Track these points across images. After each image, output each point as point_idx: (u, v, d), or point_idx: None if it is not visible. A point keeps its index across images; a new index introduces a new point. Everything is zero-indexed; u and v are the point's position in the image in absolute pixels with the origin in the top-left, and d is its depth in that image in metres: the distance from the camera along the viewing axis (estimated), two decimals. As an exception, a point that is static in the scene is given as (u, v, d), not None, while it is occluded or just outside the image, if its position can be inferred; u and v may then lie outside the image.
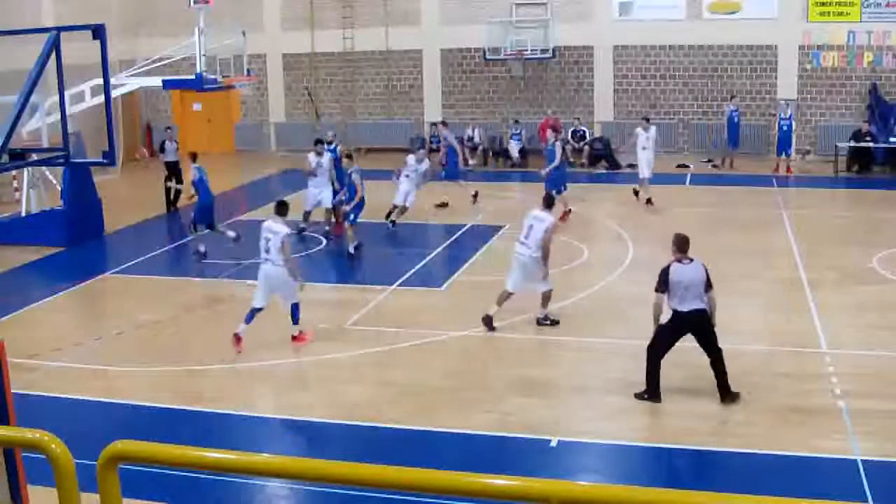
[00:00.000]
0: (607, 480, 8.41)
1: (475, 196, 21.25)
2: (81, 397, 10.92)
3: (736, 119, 26.02)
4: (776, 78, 26.99)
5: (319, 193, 18.59)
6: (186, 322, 13.84)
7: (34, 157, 15.65)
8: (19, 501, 6.63)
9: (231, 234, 17.49)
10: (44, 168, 19.13)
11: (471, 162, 27.01)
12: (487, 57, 28.02)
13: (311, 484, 7.66)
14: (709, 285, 10.11)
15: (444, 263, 16.77)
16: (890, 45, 25.80)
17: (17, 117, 11.96)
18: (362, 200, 17.07)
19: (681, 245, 10.26)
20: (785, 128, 24.79)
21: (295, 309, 12.42)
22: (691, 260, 10.18)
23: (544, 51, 27.45)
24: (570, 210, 19.39)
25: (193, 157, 18.21)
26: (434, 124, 28.01)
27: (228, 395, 10.96)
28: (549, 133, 20.72)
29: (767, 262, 16.09)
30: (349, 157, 17.87)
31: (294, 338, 12.52)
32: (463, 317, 13.38)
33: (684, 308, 10.00)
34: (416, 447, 9.56)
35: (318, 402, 10.97)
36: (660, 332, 10.20)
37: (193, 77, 21.34)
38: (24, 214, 19.25)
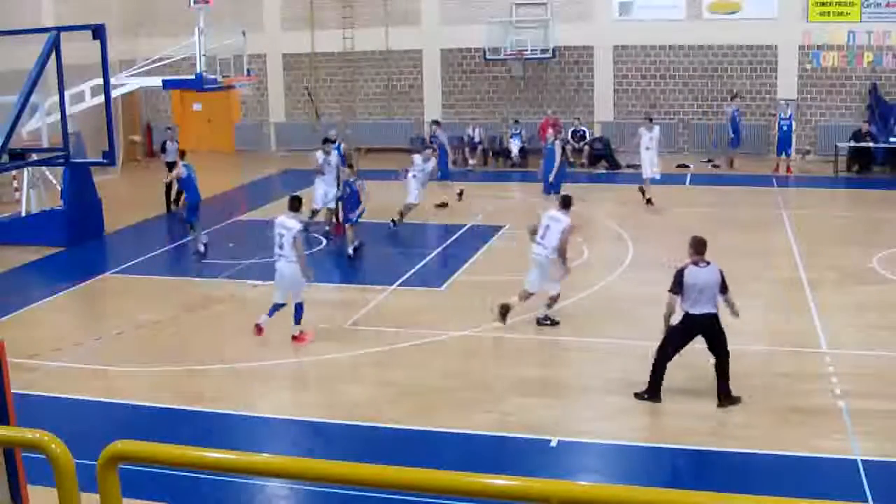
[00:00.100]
0: (607, 480, 8.42)
1: (460, 194, 21.19)
2: (81, 397, 10.92)
3: (738, 119, 26.03)
4: (776, 78, 26.99)
5: (326, 194, 18.62)
6: (186, 322, 13.84)
7: (34, 157, 15.64)
8: (19, 501, 6.63)
9: (202, 243, 17.41)
10: (44, 168, 19.13)
11: (471, 162, 27.04)
12: (487, 57, 28.02)
13: (311, 484, 7.65)
14: (724, 288, 10.09)
15: (444, 263, 16.77)
16: (890, 45, 25.81)
17: (17, 117, 11.95)
18: (360, 202, 17.10)
19: (698, 247, 10.21)
20: (785, 128, 24.79)
21: (298, 308, 12.45)
22: (708, 263, 10.14)
23: (544, 51, 27.45)
24: None
25: (182, 154, 18.27)
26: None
27: (228, 395, 10.96)
28: (550, 132, 20.69)
29: (767, 263, 16.09)
30: (350, 166, 17.90)
31: (294, 338, 12.53)
32: (463, 317, 13.38)
33: (696, 311, 9.97)
34: (416, 447, 9.56)
35: (318, 402, 10.98)
36: (670, 335, 10.17)
37: (193, 77, 21.34)
38: (24, 214, 19.25)
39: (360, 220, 17.19)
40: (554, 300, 12.89)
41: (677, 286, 10.06)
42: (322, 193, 18.69)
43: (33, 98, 14.48)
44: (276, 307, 12.57)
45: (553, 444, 9.40)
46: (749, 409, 10.04)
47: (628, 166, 25.66)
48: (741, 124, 26.25)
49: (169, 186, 21.32)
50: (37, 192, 19.42)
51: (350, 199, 17.06)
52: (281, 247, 12.37)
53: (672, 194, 21.70)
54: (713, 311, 10.02)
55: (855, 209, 21.42)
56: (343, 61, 30.19)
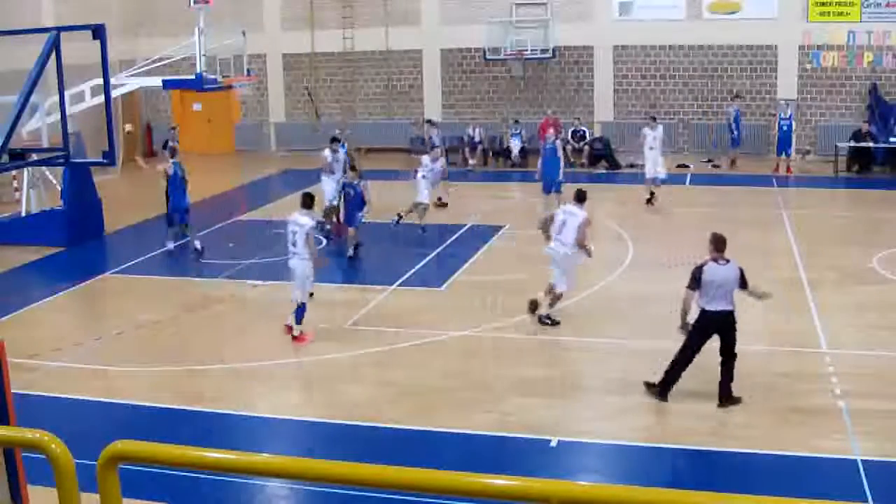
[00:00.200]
0: (607, 480, 8.42)
1: (440, 200, 21.14)
2: (81, 397, 10.93)
3: (739, 119, 26.03)
4: (776, 78, 26.99)
5: (334, 192, 18.66)
6: (186, 322, 13.84)
7: (34, 157, 15.61)
8: (19, 501, 6.64)
9: (170, 245, 17.36)
10: (44, 168, 19.12)
11: (471, 162, 27.03)
12: (487, 57, 28.03)
13: (311, 484, 7.65)
14: (744, 283, 10.06)
15: (444, 263, 16.76)
16: (890, 45, 25.81)
17: (17, 117, 11.92)
18: (364, 203, 17.11)
19: (718, 244, 10.14)
20: (785, 128, 24.79)
21: (301, 309, 12.47)
22: (727, 261, 10.10)
23: (544, 51, 27.46)
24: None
25: (173, 152, 18.26)
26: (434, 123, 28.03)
27: (228, 395, 10.96)
28: (550, 131, 20.63)
29: (767, 262, 16.06)
30: (353, 168, 17.91)
31: (294, 338, 12.54)
32: (463, 317, 13.39)
33: (712, 307, 9.94)
34: (416, 447, 9.57)
35: (318, 402, 10.98)
36: (690, 337, 10.10)
37: (193, 77, 21.34)
38: (24, 214, 19.25)
39: (363, 220, 17.19)
40: (557, 298, 12.88)
41: (695, 282, 9.99)
42: (331, 190, 18.73)
43: (33, 98, 14.46)
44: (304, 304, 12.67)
45: (553, 444, 9.40)
46: (749, 409, 10.04)
47: (628, 166, 25.68)
48: (742, 124, 26.25)
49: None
50: (37, 192, 19.42)
51: (354, 200, 17.05)
52: (294, 244, 12.48)
53: (672, 194, 21.70)
54: (730, 308, 9.97)
55: (855, 209, 21.42)
56: (343, 61, 30.19)
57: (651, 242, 17.72)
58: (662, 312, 13.21)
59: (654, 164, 20.80)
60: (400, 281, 15.43)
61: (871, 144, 24.87)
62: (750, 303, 13.99)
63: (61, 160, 15.34)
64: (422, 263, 16.70)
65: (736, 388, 10.16)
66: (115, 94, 19.45)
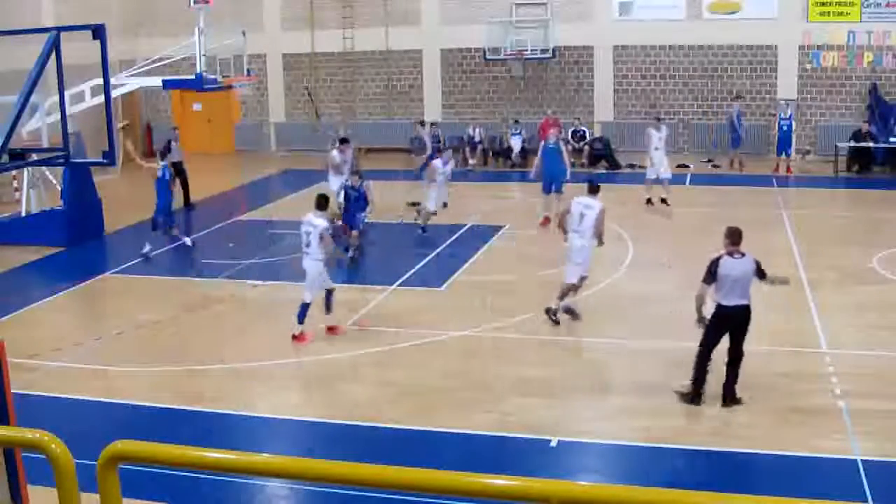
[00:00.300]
0: (607, 480, 8.42)
1: (415, 203, 20.91)
2: (81, 397, 10.92)
3: (741, 119, 26.02)
4: (776, 78, 26.99)
5: (339, 193, 18.68)
6: (186, 322, 13.84)
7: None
8: (19, 501, 6.64)
9: (147, 248, 17.35)
10: (44, 168, 19.12)
11: (471, 162, 27.03)
12: (487, 57, 28.03)
13: (311, 484, 7.65)
14: (762, 274, 10.00)
15: (444, 263, 16.76)
16: (890, 45, 25.81)
17: (17, 117, 11.92)
18: (367, 203, 17.13)
19: (734, 238, 10.01)
20: (785, 128, 24.79)
21: (304, 308, 12.47)
22: (743, 254, 9.97)
23: (544, 51, 27.46)
24: (549, 219, 18.79)
25: (163, 154, 18.26)
26: (433, 124, 28.03)
27: (228, 395, 10.96)
28: (552, 131, 20.54)
29: (767, 262, 15.84)
30: (357, 173, 17.91)
31: (294, 337, 12.54)
32: (463, 317, 13.39)
33: (729, 302, 9.83)
34: (416, 447, 9.56)
35: (318, 402, 10.98)
36: (707, 334, 10.01)
37: (193, 77, 21.33)
38: (24, 214, 19.24)
39: (365, 220, 17.18)
40: (567, 291, 12.86)
41: (710, 276, 9.88)
42: (338, 190, 18.76)
43: (33, 98, 14.46)
44: (329, 301, 12.74)
45: (553, 444, 9.40)
46: (749, 409, 10.03)
47: (628, 166, 25.68)
48: (742, 125, 26.24)
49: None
50: (37, 192, 19.42)
51: (356, 202, 17.05)
52: (308, 245, 12.50)
53: (672, 194, 21.67)
54: (745, 302, 9.87)
55: (855, 209, 21.42)
56: (343, 61, 30.19)
57: (651, 242, 17.72)
58: (663, 312, 13.25)
59: (659, 164, 20.76)
60: (400, 281, 15.43)
61: (871, 144, 24.87)
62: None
63: (61, 160, 15.35)
64: (422, 263, 16.70)
65: (736, 388, 10.15)
66: (115, 94, 19.46)
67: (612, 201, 21.87)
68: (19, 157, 13.72)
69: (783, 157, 24.86)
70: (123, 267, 16.98)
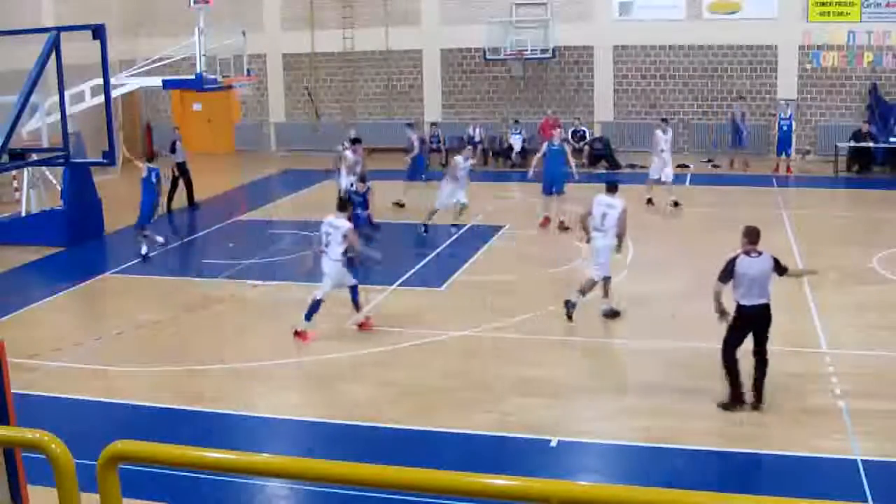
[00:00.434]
0: (607, 480, 8.42)
1: (400, 204, 20.95)
2: (81, 397, 10.92)
3: (744, 119, 26.02)
4: (776, 78, 26.99)
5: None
6: (186, 322, 13.84)
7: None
8: (19, 501, 6.63)
9: (144, 249, 17.35)
10: (44, 168, 19.12)
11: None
12: (487, 57, 28.03)
13: (311, 484, 7.65)
14: (781, 270, 9.93)
15: (444, 263, 16.76)
16: (890, 45, 25.81)
17: (17, 117, 11.92)
18: (367, 206, 17.18)
19: (751, 236, 9.93)
20: (785, 128, 24.79)
21: (315, 305, 12.50)
22: (760, 253, 9.88)
23: (544, 51, 27.46)
24: (549, 219, 18.99)
25: (150, 157, 18.26)
26: (434, 124, 28.04)
27: (228, 395, 10.96)
28: (555, 132, 20.49)
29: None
30: (363, 179, 17.90)
31: (297, 333, 12.55)
32: (463, 317, 13.39)
33: (748, 302, 9.76)
34: (416, 447, 9.56)
35: (318, 402, 10.99)
36: (729, 336, 9.92)
37: (193, 77, 21.33)
38: (24, 214, 19.24)
39: (363, 223, 17.19)
40: (590, 287, 12.88)
41: (726, 274, 9.81)
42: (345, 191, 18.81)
43: (33, 98, 14.46)
44: (353, 296, 12.84)
45: (553, 444, 9.40)
46: (749, 410, 10.02)
47: (628, 166, 25.68)
48: (747, 125, 26.24)
49: (172, 185, 21.32)
50: (37, 192, 19.41)
51: (360, 204, 17.10)
52: (327, 245, 12.55)
53: (672, 195, 21.67)
54: (765, 301, 9.78)
55: (855, 209, 21.42)
56: (343, 61, 30.19)
57: (651, 242, 17.70)
58: (663, 312, 13.25)
59: (664, 165, 20.74)
60: (400, 281, 15.43)
61: (871, 144, 24.87)
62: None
63: (61, 160, 15.35)
64: (422, 263, 16.70)
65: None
66: (115, 94, 19.46)
67: (612, 201, 22.00)
68: (19, 157, 13.72)
69: (783, 157, 24.86)
70: (123, 267, 16.98)
